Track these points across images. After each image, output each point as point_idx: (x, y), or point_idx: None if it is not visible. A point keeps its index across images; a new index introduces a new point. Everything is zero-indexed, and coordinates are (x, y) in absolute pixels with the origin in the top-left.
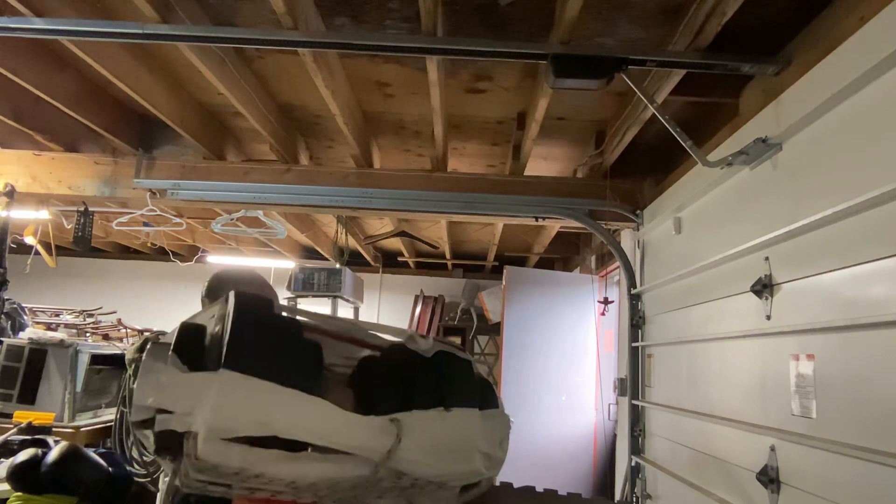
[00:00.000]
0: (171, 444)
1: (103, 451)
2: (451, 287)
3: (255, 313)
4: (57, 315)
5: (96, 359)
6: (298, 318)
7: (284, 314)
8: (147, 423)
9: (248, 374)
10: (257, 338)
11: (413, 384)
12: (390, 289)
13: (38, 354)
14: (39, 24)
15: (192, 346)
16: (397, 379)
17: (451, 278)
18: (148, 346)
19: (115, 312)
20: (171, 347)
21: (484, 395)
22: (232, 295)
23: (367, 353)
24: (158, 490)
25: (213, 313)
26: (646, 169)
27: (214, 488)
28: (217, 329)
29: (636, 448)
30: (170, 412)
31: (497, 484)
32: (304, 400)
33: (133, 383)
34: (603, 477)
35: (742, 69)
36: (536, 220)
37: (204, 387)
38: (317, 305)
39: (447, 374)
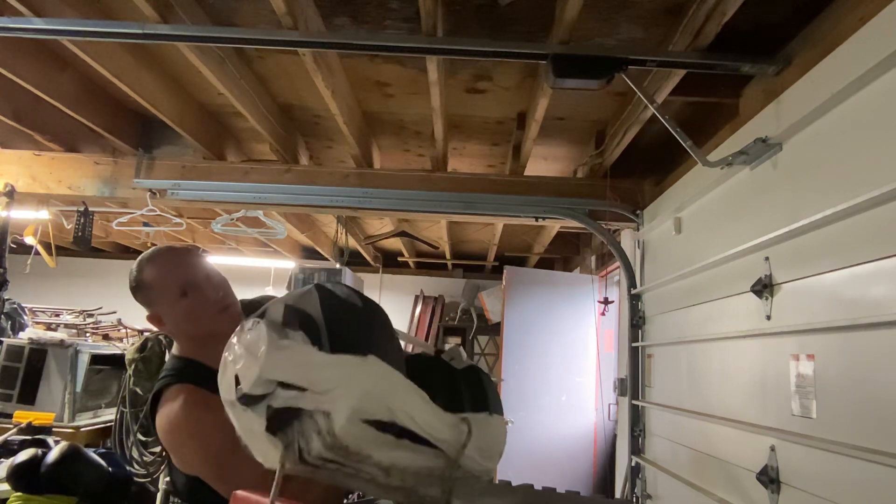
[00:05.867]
0: (286, 420)
1: (103, 451)
2: (451, 287)
3: (373, 307)
4: (57, 315)
5: (96, 359)
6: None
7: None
8: (254, 399)
9: (386, 362)
10: (384, 330)
11: (458, 390)
12: (390, 289)
13: (38, 354)
14: (39, 24)
15: (310, 328)
16: (444, 384)
17: (451, 278)
18: (262, 322)
19: (115, 312)
20: (299, 326)
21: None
22: (333, 285)
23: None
24: (158, 490)
25: (302, 300)
26: (646, 169)
27: (328, 466)
28: (322, 314)
29: (636, 448)
30: (301, 389)
31: (496, 482)
32: (415, 391)
33: (132, 384)
34: (603, 477)
35: (742, 69)
36: (536, 221)
37: (351, 369)
38: None
39: (483, 385)
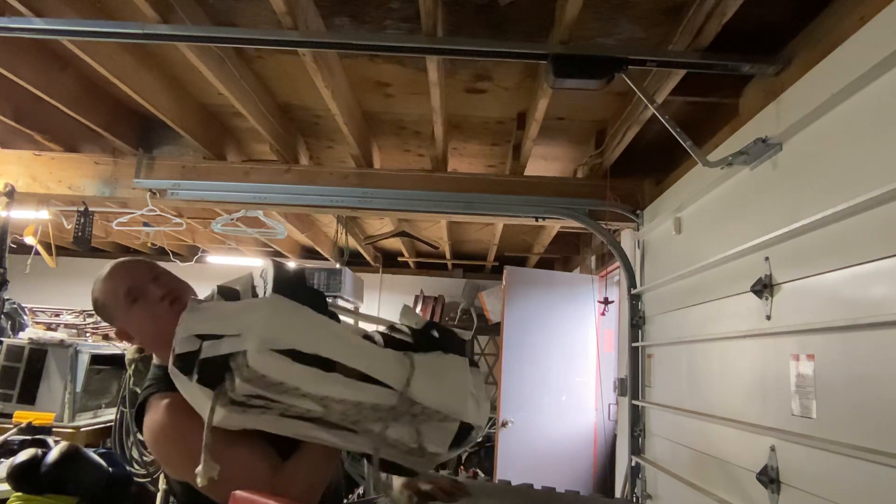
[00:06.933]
0: (215, 372)
1: (103, 451)
2: (451, 287)
3: (294, 275)
4: (57, 315)
5: (96, 359)
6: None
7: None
8: (187, 363)
9: (293, 301)
10: (296, 285)
11: (411, 342)
12: (390, 289)
13: (38, 354)
14: (39, 24)
15: (232, 295)
16: (398, 341)
17: (451, 278)
18: (189, 300)
19: None
20: (216, 292)
21: (470, 356)
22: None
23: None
24: (158, 490)
25: (240, 282)
26: (646, 169)
27: (256, 402)
28: (249, 288)
29: (636, 448)
30: (218, 337)
31: (496, 482)
32: (337, 326)
33: (132, 384)
34: (603, 477)
35: (742, 69)
36: (536, 221)
37: (255, 308)
38: None
39: (439, 334)
